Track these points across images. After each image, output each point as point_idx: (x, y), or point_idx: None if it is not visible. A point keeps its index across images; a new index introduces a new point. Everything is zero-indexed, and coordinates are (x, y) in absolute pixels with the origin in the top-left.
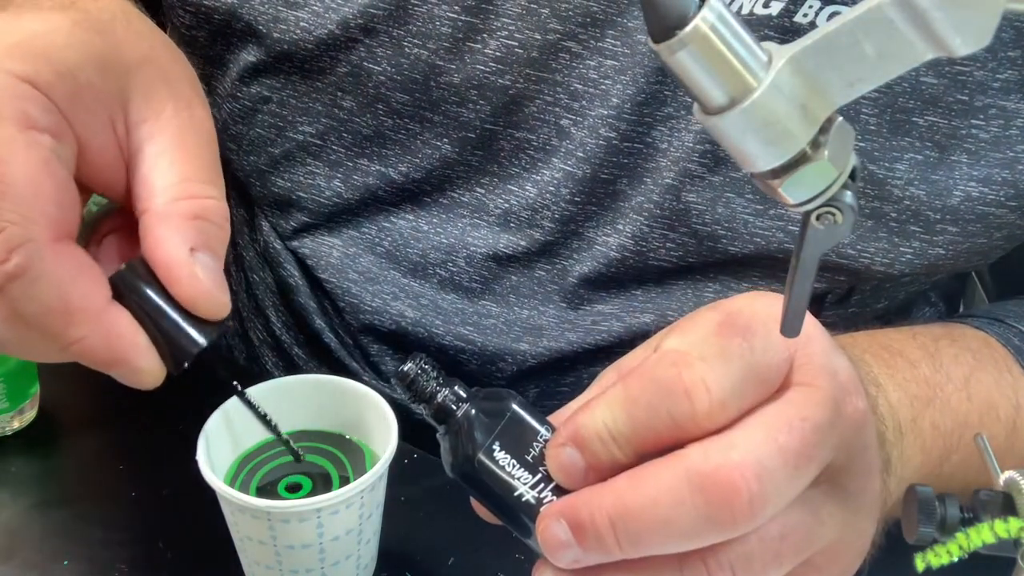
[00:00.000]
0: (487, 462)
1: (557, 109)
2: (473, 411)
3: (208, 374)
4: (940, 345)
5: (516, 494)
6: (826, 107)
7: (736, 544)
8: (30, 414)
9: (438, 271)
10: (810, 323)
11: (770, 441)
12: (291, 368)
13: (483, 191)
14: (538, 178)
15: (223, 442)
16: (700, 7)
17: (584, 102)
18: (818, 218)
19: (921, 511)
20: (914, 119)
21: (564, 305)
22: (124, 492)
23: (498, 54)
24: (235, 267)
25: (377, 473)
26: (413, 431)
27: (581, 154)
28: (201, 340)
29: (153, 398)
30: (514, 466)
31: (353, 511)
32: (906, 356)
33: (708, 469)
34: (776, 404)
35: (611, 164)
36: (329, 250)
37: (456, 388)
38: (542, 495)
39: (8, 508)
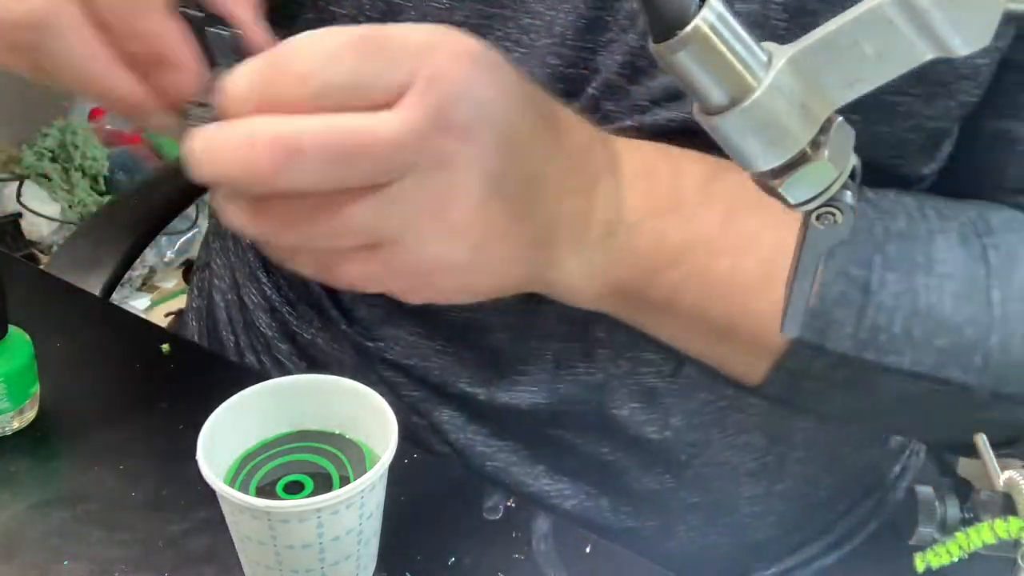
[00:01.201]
0: None
1: (508, 44)
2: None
3: (208, 375)
4: (727, 175)
5: None
6: (826, 107)
7: (300, 201)
8: (30, 414)
9: None
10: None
11: (322, 129)
12: (283, 327)
13: None
14: None
15: (223, 442)
16: (700, 7)
17: (533, 35)
18: (818, 218)
19: (921, 511)
20: (819, 21)
21: None
22: (124, 492)
23: None
24: (228, 234)
25: (377, 473)
26: (424, 436)
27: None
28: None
29: (153, 398)
30: None
31: (353, 511)
32: (679, 166)
33: (255, 129)
34: (361, 112)
35: (557, 91)
36: None
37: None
38: None
39: (8, 508)
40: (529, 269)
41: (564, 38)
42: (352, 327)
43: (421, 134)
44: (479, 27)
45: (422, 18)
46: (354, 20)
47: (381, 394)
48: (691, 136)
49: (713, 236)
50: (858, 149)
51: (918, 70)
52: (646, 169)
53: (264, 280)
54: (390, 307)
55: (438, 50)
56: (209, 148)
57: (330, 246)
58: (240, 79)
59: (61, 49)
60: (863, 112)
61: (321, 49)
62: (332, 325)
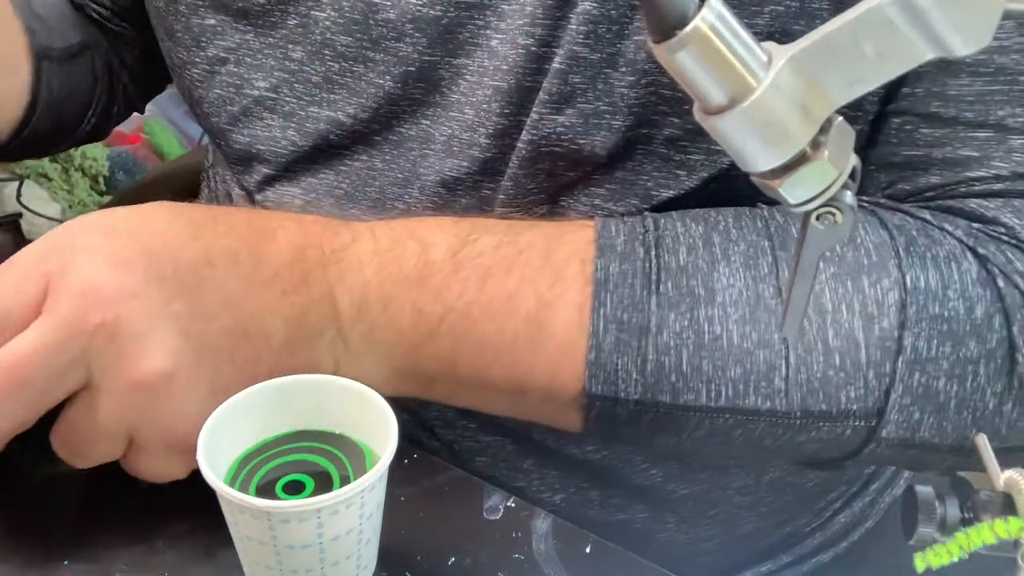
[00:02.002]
0: None
1: (487, 31)
2: None
3: None
4: (480, 239)
5: None
6: (826, 107)
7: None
8: None
9: (396, 204)
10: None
11: None
12: None
13: (428, 122)
14: (474, 100)
15: (223, 442)
16: (700, 7)
17: (508, 20)
18: (818, 218)
19: (921, 511)
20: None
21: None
22: (124, 492)
23: None
24: None
25: (377, 473)
26: (413, 431)
27: (505, 67)
28: None
29: None
30: None
31: (353, 511)
32: (424, 241)
33: None
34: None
35: (532, 71)
36: (291, 199)
37: None
38: None
39: (9, 508)
40: (299, 368)
41: (534, 17)
42: None
43: (69, 325)
44: (458, 18)
45: (401, 13)
46: (334, 22)
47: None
48: (655, 111)
49: (470, 302)
50: None
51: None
52: (389, 246)
53: None
54: None
55: (68, 236)
56: None
57: (109, 455)
58: None
59: None
60: None
61: None
62: None
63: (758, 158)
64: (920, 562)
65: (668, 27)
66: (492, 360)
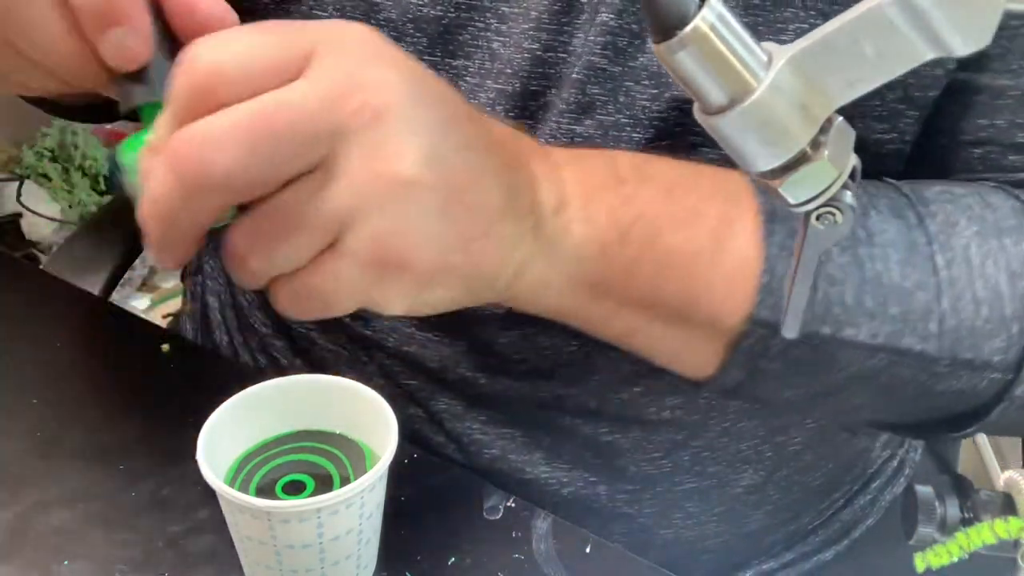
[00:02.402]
0: None
1: (488, 33)
2: None
3: (208, 375)
4: (661, 158)
5: None
6: (826, 107)
7: (242, 224)
8: None
9: None
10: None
11: (232, 116)
12: (278, 323)
13: None
14: (475, 102)
15: (223, 442)
16: (700, 7)
17: (511, 22)
18: (818, 218)
19: (921, 511)
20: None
21: None
22: (124, 492)
23: None
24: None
25: (377, 473)
26: (413, 431)
27: (509, 71)
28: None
29: (153, 398)
30: None
31: (353, 511)
32: (610, 153)
33: (173, 142)
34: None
35: (537, 75)
36: None
37: None
38: None
39: (8, 508)
40: (499, 249)
41: (540, 22)
42: (350, 318)
43: (336, 92)
44: (458, 19)
45: (402, 13)
46: None
47: (379, 383)
48: (677, 122)
49: (659, 212)
50: (850, 122)
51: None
52: (576, 155)
53: None
54: None
55: (336, 24)
56: (148, 186)
57: (294, 259)
58: (167, 109)
59: (35, 17)
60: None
61: (219, 39)
62: (327, 318)
63: (758, 158)
64: (920, 562)
65: (668, 27)
66: (671, 273)
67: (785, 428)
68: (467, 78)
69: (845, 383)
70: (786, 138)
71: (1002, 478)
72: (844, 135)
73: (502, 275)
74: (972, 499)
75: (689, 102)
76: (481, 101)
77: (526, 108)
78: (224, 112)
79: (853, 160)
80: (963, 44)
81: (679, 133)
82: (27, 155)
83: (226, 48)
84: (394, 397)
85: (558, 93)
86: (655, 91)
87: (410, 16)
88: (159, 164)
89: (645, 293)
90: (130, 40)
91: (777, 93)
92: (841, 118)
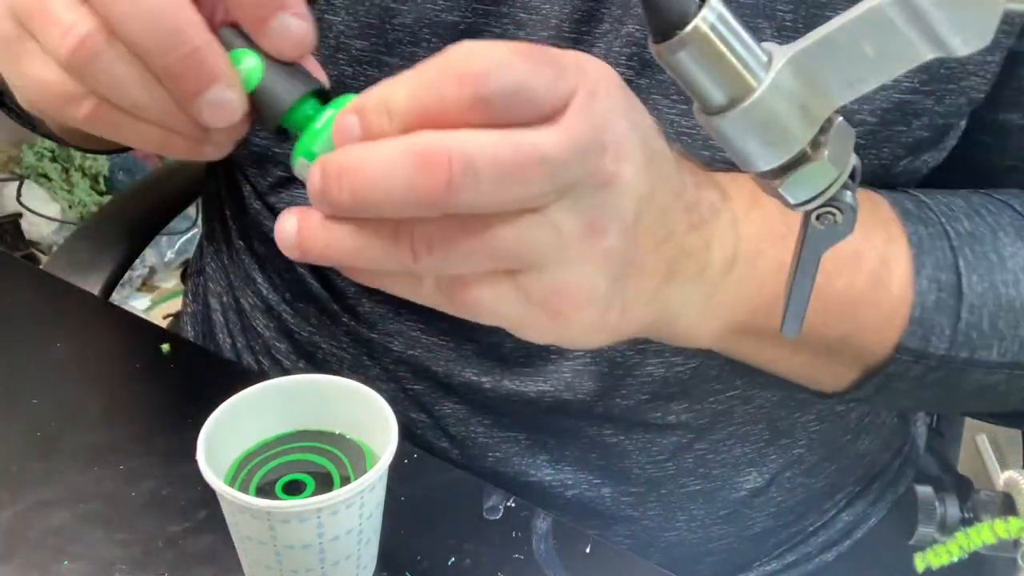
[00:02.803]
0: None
1: (506, 39)
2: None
3: (208, 375)
4: None
5: None
6: (826, 107)
7: (440, 222)
8: None
9: None
10: (614, 89)
11: (492, 145)
12: (280, 326)
13: None
14: None
15: (223, 442)
16: (700, 7)
17: (528, 30)
18: (818, 218)
19: (921, 511)
20: (827, 13)
21: None
22: (124, 492)
23: None
24: (223, 238)
25: (377, 473)
26: (416, 435)
27: None
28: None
29: (153, 398)
30: None
31: (353, 511)
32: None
33: (426, 144)
34: (524, 128)
35: None
36: (303, 202)
37: None
38: None
39: (8, 508)
40: (657, 308)
41: (560, 31)
42: (355, 322)
43: (584, 151)
44: (475, 25)
45: (418, 18)
46: (349, 26)
47: (383, 387)
48: (707, 138)
49: (826, 256)
50: (876, 150)
51: (929, 68)
52: (753, 198)
53: (260, 280)
54: (395, 302)
55: (591, 66)
56: (357, 166)
57: (467, 269)
58: (398, 88)
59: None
60: (880, 115)
61: (492, 53)
62: (332, 321)
63: (758, 158)
64: (920, 562)
65: (668, 27)
66: (828, 317)
67: (790, 431)
68: None
69: (965, 395)
70: (786, 138)
71: (1002, 478)
72: (844, 135)
73: (653, 327)
74: (972, 499)
75: None
76: None
77: None
78: (486, 140)
79: (853, 160)
80: (963, 44)
81: (707, 156)
82: (27, 155)
83: (498, 70)
84: (397, 401)
85: None
86: (684, 106)
87: (426, 21)
88: (400, 152)
89: (806, 334)
90: (227, 95)
91: (777, 93)
92: (841, 118)
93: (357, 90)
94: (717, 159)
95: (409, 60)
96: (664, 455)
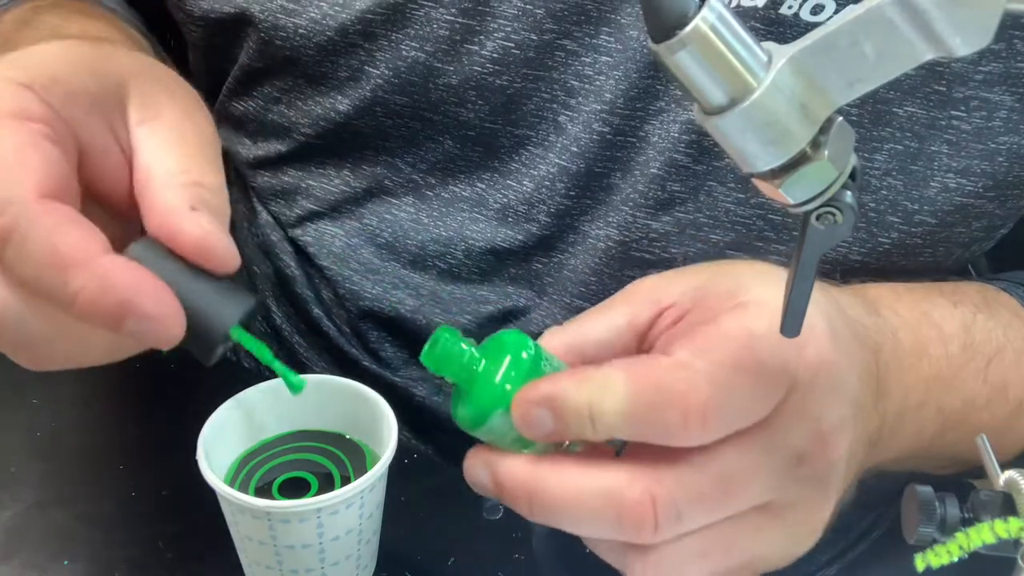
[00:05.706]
0: None
1: (554, 106)
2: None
3: (208, 375)
4: (977, 320)
5: None
6: (826, 107)
7: (653, 550)
8: None
9: (437, 263)
10: (827, 354)
11: (696, 487)
12: (291, 357)
13: (484, 186)
14: (535, 173)
15: (223, 442)
16: (700, 7)
17: (580, 98)
18: (818, 218)
19: (921, 511)
20: (894, 109)
21: (557, 298)
22: (124, 492)
23: (495, 55)
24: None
25: (377, 473)
26: (414, 427)
27: (575, 149)
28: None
29: (153, 398)
30: None
31: (353, 511)
32: (942, 331)
33: (625, 495)
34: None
35: (604, 158)
36: (332, 239)
37: None
38: None
39: (8, 508)
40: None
41: (614, 105)
42: (376, 365)
43: (801, 451)
44: (523, 90)
45: (464, 80)
46: (389, 81)
47: (410, 436)
48: (761, 230)
49: (976, 393)
50: (932, 249)
51: (995, 175)
52: (919, 349)
53: (274, 309)
54: (415, 348)
55: (807, 350)
56: (550, 501)
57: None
58: (607, 399)
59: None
60: (940, 217)
61: (711, 374)
62: (349, 362)
63: (758, 158)
64: (920, 562)
65: (668, 27)
66: (967, 443)
67: None
68: (529, 147)
69: None
70: (786, 138)
71: (1002, 478)
72: (844, 135)
73: None
74: (972, 499)
75: (777, 215)
76: (541, 173)
77: (588, 188)
78: (686, 482)
79: (853, 160)
80: (963, 44)
81: (759, 249)
82: None
83: (719, 402)
84: (424, 451)
85: (623, 178)
86: (741, 195)
87: (473, 83)
88: (601, 498)
89: (945, 454)
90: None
91: (777, 93)
92: (841, 118)
93: (400, 138)
94: (771, 250)
95: (453, 119)
96: None
